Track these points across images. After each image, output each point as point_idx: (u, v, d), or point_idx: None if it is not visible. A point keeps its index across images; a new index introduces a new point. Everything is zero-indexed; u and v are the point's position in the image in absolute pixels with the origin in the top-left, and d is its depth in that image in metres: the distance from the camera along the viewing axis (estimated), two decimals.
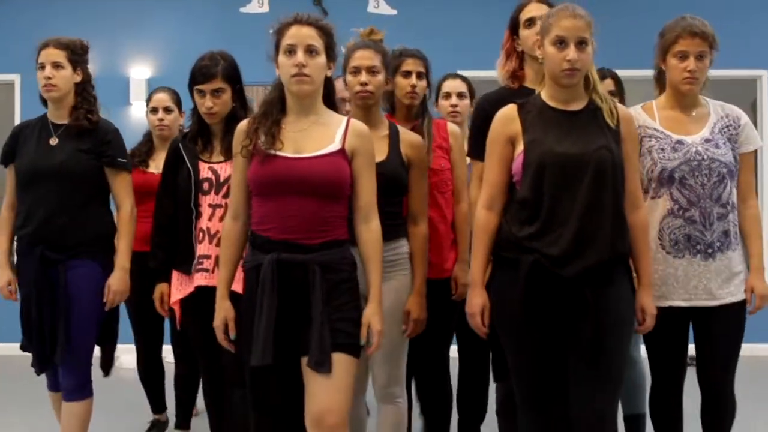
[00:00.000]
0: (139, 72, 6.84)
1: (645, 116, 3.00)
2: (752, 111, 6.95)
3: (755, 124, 6.88)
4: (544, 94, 2.70)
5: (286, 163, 2.53)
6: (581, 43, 2.57)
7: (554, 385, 2.64)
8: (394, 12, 6.63)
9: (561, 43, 2.57)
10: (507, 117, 2.68)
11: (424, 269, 3.04)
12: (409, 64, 3.36)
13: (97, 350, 3.39)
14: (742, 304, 2.97)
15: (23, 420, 4.60)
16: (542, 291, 2.55)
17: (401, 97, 3.38)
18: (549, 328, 2.59)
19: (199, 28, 6.79)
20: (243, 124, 2.66)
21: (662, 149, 2.92)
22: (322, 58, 2.58)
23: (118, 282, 3.25)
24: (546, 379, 2.64)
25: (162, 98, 4.17)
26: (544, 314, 2.57)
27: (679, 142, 2.93)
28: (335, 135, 2.58)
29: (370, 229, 2.61)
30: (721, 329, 2.95)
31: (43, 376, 3.39)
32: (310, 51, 2.55)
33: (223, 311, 2.65)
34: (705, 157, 2.90)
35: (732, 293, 2.93)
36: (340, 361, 2.48)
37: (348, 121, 2.64)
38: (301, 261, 2.49)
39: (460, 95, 3.98)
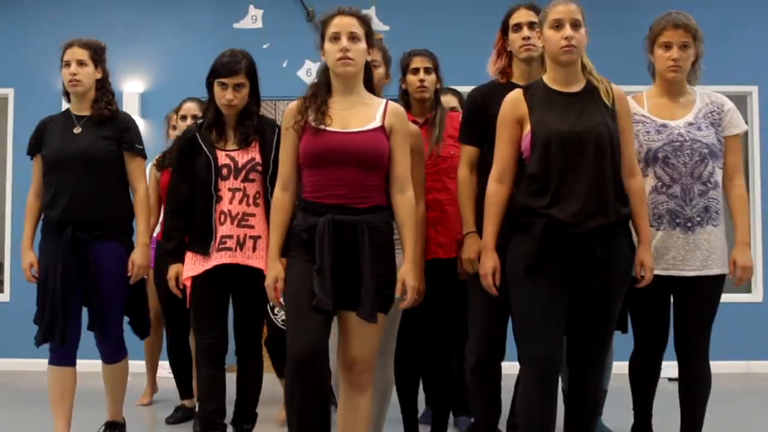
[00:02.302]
0: (133, 86, 6.86)
1: (635, 104, 3.27)
2: (743, 135, 6.97)
3: (746, 141, 6.93)
4: (546, 78, 2.98)
5: (336, 137, 2.87)
6: (575, 25, 2.88)
7: (561, 347, 2.88)
8: (386, 28, 6.69)
9: (557, 25, 2.88)
10: (515, 100, 2.97)
11: (422, 245, 3.35)
12: (417, 62, 3.72)
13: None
14: (717, 278, 3.18)
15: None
16: (554, 248, 2.80)
17: (413, 93, 3.73)
18: (558, 283, 2.83)
19: (193, 43, 6.81)
20: (293, 104, 2.98)
21: (647, 132, 3.21)
22: (363, 44, 2.92)
23: (140, 257, 3.59)
24: (554, 339, 2.84)
25: (191, 107, 4.61)
26: (554, 270, 2.82)
27: (664, 125, 3.21)
28: (376, 114, 2.93)
29: (405, 197, 2.94)
30: (696, 300, 3.17)
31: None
32: (352, 37, 2.89)
33: (275, 271, 2.93)
34: (687, 138, 3.17)
35: (709, 266, 3.15)
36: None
37: (387, 103, 2.98)
38: (351, 221, 2.82)
39: (452, 109, 4.12)
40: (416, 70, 3.71)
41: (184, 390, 4.69)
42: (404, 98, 3.77)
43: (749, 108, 6.89)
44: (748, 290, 6.78)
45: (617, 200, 2.84)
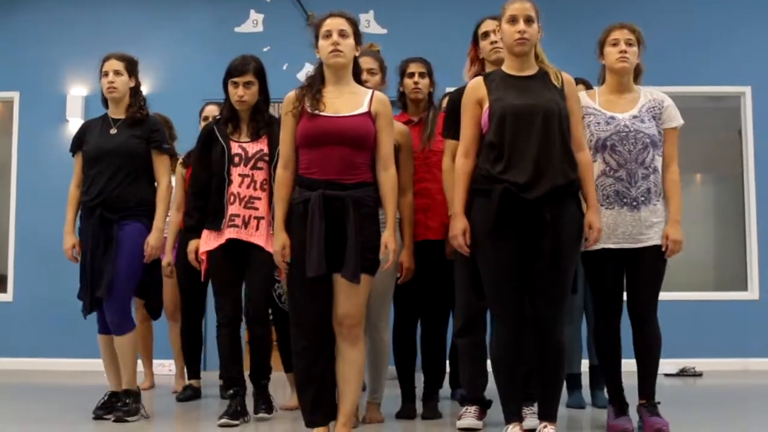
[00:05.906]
0: None
1: (588, 99, 3.72)
2: (738, 137, 7.04)
3: (740, 142, 7.00)
4: (504, 66, 3.43)
5: (328, 121, 3.29)
6: (528, 20, 3.30)
7: (522, 299, 3.25)
8: (384, 31, 6.79)
9: (513, 20, 3.31)
10: (476, 85, 3.42)
11: (412, 229, 3.90)
12: (412, 67, 4.19)
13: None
14: (659, 249, 3.58)
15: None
16: (510, 212, 3.18)
17: (409, 94, 4.21)
18: (516, 243, 3.21)
19: (194, 48, 6.91)
20: (292, 93, 3.39)
21: (598, 123, 3.64)
22: (351, 40, 3.36)
23: (154, 239, 4.04)
24: (515, 292, 3.24)
25: (212, 109, 5.06)
26: (512, 231, 3.20)
27: (612, 117, 3.64)
28: (363, 101, 3.36)
29: (388, 174, 3.37)
30: (643, 267, 3.58)
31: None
32: (342, 34, 3.33)
33: (281, 239, 3.33)
34: (631, 129, 3.60)
35: (651, 238, 3.57)
36: (362, 278, 3.23)
37: (373, 92, 3.43)
38: (339, 196, 3.23)
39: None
40: (412, 74, 4.16)
41: (193, 371, 5.10)
42: (401, 99, 4.24)
43: (742, 108, 6.95)
44: (745, 288, 6.85)
45: (565, 165, 3.23)
